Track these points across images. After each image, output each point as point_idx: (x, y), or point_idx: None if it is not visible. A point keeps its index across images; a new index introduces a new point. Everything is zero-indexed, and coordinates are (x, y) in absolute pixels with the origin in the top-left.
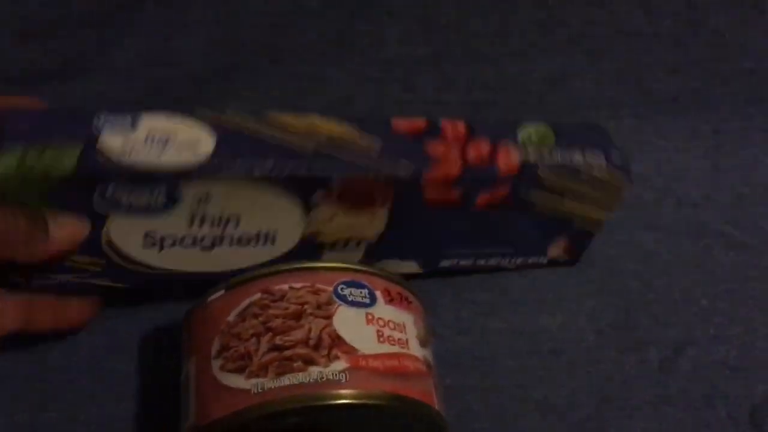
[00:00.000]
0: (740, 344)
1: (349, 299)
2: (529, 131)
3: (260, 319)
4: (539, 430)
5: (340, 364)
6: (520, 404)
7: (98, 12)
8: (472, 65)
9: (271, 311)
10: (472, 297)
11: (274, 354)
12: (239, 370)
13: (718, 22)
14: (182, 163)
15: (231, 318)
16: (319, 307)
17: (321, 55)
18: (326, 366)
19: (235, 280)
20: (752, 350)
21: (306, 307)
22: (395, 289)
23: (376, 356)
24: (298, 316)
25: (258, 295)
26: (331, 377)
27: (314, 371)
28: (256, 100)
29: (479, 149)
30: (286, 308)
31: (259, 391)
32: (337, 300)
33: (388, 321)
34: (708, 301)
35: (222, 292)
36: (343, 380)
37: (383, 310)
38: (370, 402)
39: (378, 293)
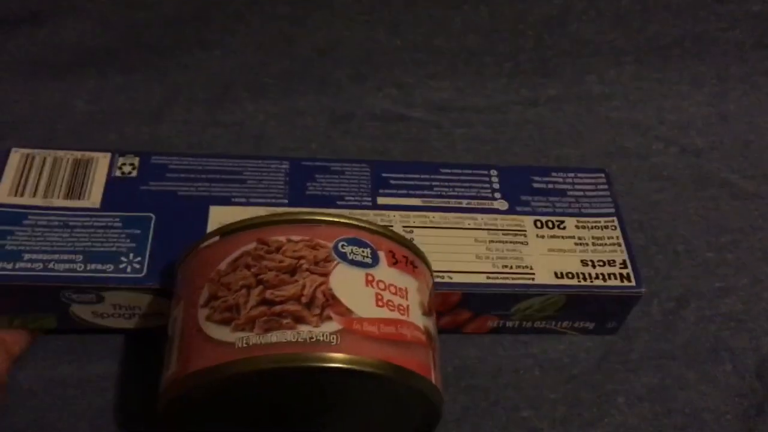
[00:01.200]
0: (746, 296)
1: (349, 257)
2: (530, 303)
3: (253, 270)
4: (540, 383)
5: (333, 326)
6: (519, 361)
7: None
8: (465, 6)
9: (264, 263)
10: None
11: (263, 308)
12: (225, 322)
13: None
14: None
15: (222, 266)
16: (316, 263)
17: (294, 1)
18: (317, 326)
19: (230, 226)
20: (758, 302)
21: (302, 261)
22: (401, 251)
23: (372, 320)
24: (293, 270)
25: (253, 245)
26: (321, 338)
27: (304, 330)
28: (235, 46)
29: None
30: (281, 261)
31: (244, 345)
32: (336, 257)
33: (390, 284)
34: (713, 253)
35: (216, 238)
36: (334, 342)
37: (385, 272)
38: (361, 368)
39: (381, 254)
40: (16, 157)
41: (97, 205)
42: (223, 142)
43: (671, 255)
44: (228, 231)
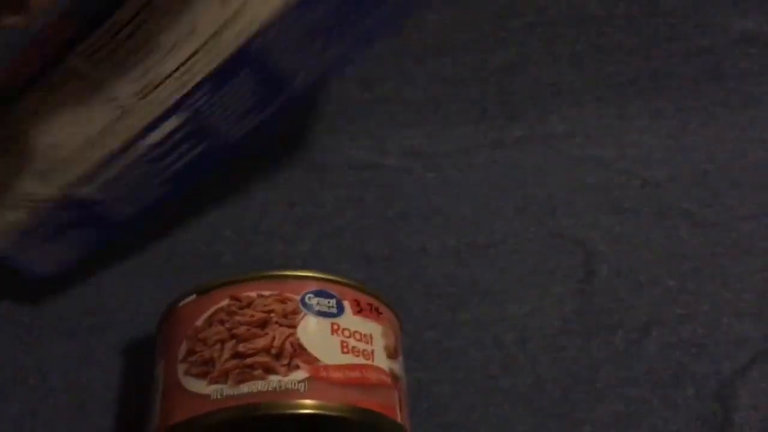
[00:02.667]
0: (707, 322)
1: (316, 309)
2: None
3: (226, 325)
4: (508, 418)
5: (300, 374)
6: (489, 395)
7: None
8: (429, 59)
9: (237, 318)
10: (440, 291)
11: (236, 361)
12: (202, 375)
13: (672, 2)
14: None
15: (199, 323)
16: (285, 315)
17: None
18: (286, 375)
19: (206, 285)
20: (719, 327)
21: (272, 315)
22: (365, 299)
23: (338, 367)
24: (263, 324)
25: (226, 301)
26: (290, 386)
27: (273, 380)
28: None
29: None
30: (252, 316)
31: (219, 397)
32: (303, 309)
33: (354, 332)
34: (674, 281)
35: (193, 296)
36: (302, 390)
37: (350, 320)
38: (328, 413)
39: (346, 303)
40: None
41: None
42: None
43: (634, 285)
44: (203, 290)
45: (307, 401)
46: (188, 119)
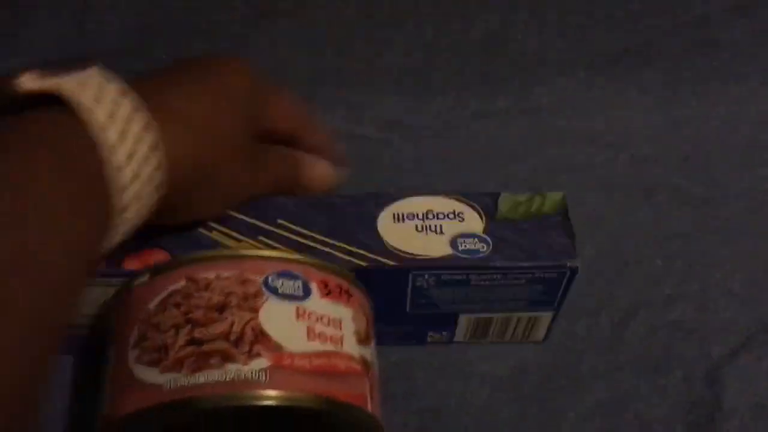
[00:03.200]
0: (696, 303)
1: (280, 291)
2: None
3: (182, 309)
4: (488, 404)
5: (262, 362)
6: (468, 379)
7: None
8: (409, 26)
9: (193, 301)
10: None
11: (192, 348)
12: (154, 363)
13: None
14: None
15: (152, 306)
16: (246, 298)
17: (252, 22)
18: (245, 363)
19: (160, 265)
20: (708, 309)
21: (231, 298)
22: (334, 280)
23: (303, 355)
24: (221, 307)
25: (182, 283)
26: (249, 376)
27: (232, 369)
28: None
29: None
30: (210, 299)
31: (172, 387)
32: (266, 292)
33: (322, 316)
34: (662, 261)
35: (146, 276)
36: (263, 380)
37: (317, 304)
38: (291, 404)
39: (313, 285)
40: None
41: None
42: None
43: (620, 265)
44: (157, 270)
45: (269, 392)
46: None
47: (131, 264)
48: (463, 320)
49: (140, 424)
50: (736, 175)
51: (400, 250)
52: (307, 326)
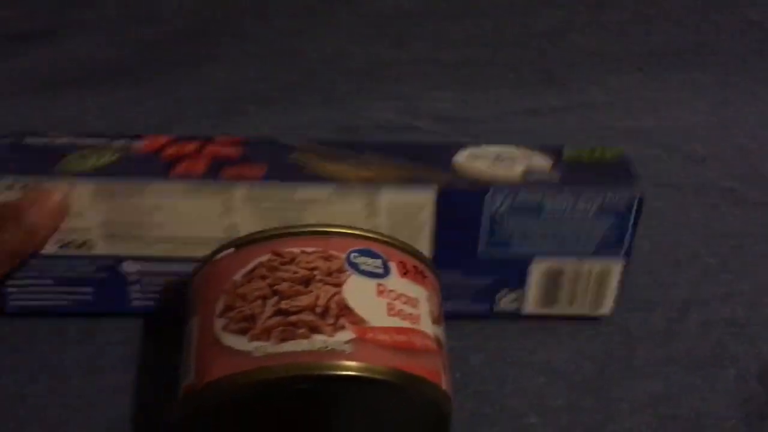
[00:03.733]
0: (748, 302)
1: (362, 268)
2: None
3: (268, 281)
4: (543, 391)
5: (346, 335)
6: (523, 366)
7: None
8: (468, 20)
9: (279, 274)
10: None
11: (279, 318)
12: (242, 332)
13: None
14: None
15: (238, 277)
16: (329, 273)
17: (310, 11)
18: (331, 335)
19: (245, 238)
20: (760, 308)
21: (316, 272)
22: (411, 261)
23: (384, 329)
24: (306, 281)
25: (267, 256)
26: (335, 347)
27: (318, 339)
28: (242, 60)
29: None
30: (295, 272)
31: (261, 355)
32: (348, 268)
33: (401, 294)
34: (715, 260)
35: (231, 250)
36: (348, 351)
37: (396, 282)
38: (374, 376)
39: (392, 264)
40: None
41: None
42: None
43: (673, 262)
44: (242, 243)
45: (353, 363)
46: None
47: None
48: (535, 273)
49: (231, 389)
50: None
51: (474, 178)
52: (387, 303)
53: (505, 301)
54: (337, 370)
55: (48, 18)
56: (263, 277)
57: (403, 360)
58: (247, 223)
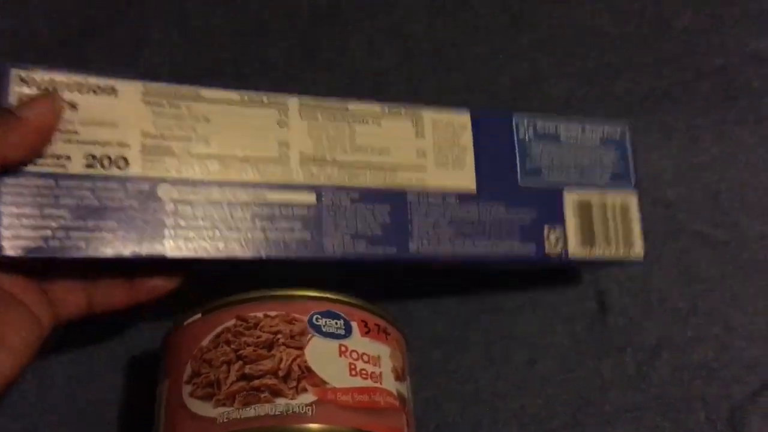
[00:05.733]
0: (718, 345)
1: (323, 330)
2: None
3: (232, 346)
4: None
5: (308, 397)
6: (498, 414)
7: (60, 39)
8: (439, 71)
9: (243, 339)
10: (449, 309)
11: (243, 383)
12: (207, 398)
13: (686, 21)
14: None
15: (205, 343)
16: (292, 336)
17: (286, 68)
18: (293, 398)
19: (211, 304)
20: (730, 350)
21: (279, 336)
22: (373, 320)
23: (346, 390)
24: (270, 345)
25: (233, 322)
26: (297, 410)
27: (281, 403)
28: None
29: None
30: (259, 336)
31: (225, 420)
32: (310, 330)
33: (362, 354)
34: (685, 303)
35: (198, 315)
36: (310, 414)
37: (358, 342)
38: None
39: (354, 324)
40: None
41: None
42: None
43: (644, 305)
44: (209, 309)
45: (315, 425)
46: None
47: None
48: (569, 205)
49: None
50: (758, 218)
51: None
52: (348, 363)
53: (551, 242)
54: None
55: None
56: (228, 342)
57: (364, 420)
58: (298, 140)
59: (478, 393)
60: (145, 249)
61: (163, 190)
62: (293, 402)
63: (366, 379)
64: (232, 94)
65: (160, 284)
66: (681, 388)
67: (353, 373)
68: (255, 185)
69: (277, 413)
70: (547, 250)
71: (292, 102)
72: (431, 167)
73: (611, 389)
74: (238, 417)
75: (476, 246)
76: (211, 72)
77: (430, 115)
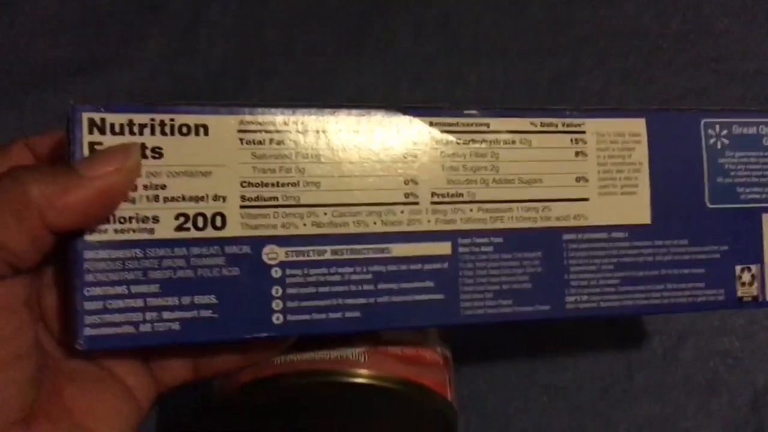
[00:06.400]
0: (743, 335)
1: None
2: None
3: None
4: (548, 410)
5: (362, 346)
6: (528, 388)
7: (121, 10)
8: (482, 63)
9: None
10: None
11: None
12: None
13: (724, 24)
14: None
15: None
16: None
17: (335, 50)
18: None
19: None
20: (754, 340)
21: None
22: None
23: (396, 342)
24: None
25: None
26: (350, 356)
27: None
28: (271, 98)
29: None
30: None
31: (284, 360)
32: None
33: None
34: None
35: None
36: (362, 360)
37: None
38: (385, 384)
39: None
40: None
41: None
42: None
43: None
44: None
45: (366, 371)
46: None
47: None
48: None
49: (254, 393)
50: None
51: None
52: None
53: (745, 282)
54: (352, 377)
55: (86, 54)
56: None
57: (412, 370)
58: (427, 174)
59: (509, 367)
60: (249, 330)
61: (267, 252)
62: (348, 348)
63: (415, 335)
64: (350, 117)
65: (275, 346)
66: (705, 373)
67: None
68: (376, 236)
69: (332, 357)
70: (739, 293)
71: (419, 123)
72: (594, 196)
73: (638, 370)
74: (296, 359)
75: (649, 297)
76: (260, 54)
77: (594, 126)
